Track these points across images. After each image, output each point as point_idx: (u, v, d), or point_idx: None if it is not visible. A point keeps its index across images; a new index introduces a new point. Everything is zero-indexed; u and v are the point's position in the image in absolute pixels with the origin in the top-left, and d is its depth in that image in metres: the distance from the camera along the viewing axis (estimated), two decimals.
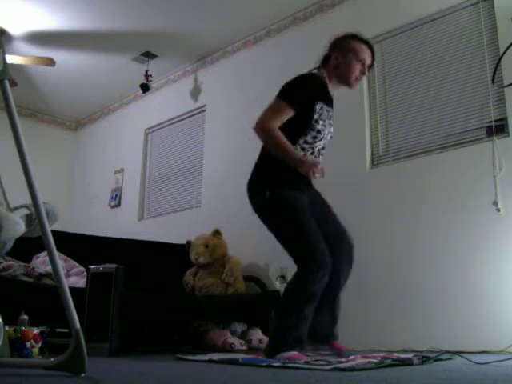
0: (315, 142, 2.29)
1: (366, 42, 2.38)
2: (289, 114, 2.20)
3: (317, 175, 2.12)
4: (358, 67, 2.32)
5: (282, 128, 2.20)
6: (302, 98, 2.22)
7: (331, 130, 2.38)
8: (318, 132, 2.26)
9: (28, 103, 5.93)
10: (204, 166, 4.77)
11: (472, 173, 3.01)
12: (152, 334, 3.08)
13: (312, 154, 2.30)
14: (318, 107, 2.24)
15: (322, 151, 2.39)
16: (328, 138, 2.36)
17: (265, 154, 2.33)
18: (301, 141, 2.25)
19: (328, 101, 2.34)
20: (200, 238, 3.86)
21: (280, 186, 2.24)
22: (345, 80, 2.35)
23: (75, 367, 1.45)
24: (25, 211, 1.62)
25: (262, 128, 2.18)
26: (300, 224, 2.21)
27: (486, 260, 2.87)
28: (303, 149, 2.26)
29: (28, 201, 1.55)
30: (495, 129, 2.97)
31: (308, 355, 2.15)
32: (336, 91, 2.45)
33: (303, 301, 2.15)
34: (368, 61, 2.35)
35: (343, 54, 2.33)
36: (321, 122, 2.26)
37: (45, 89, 5.59)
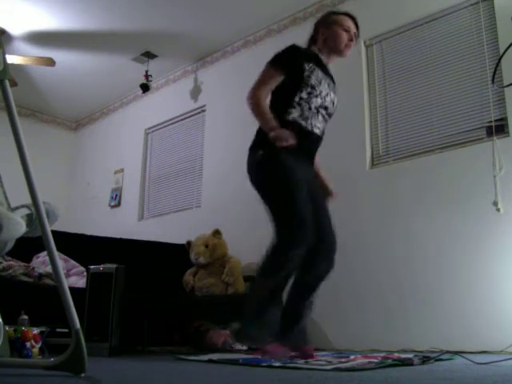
0: (311, 98, 2.30)
1: (346, 14, 2.51)
2: (276, 77, 2.29)
3: (282, 143, 2.10)
4: (344, 35, 2.42)
5: (277, 90, 2.29)
6: (289, 58, 2.32)
7: (332, 94, 2.39)
8: (313, 87, 2.29)
9: (28, 103, 5.93)
10: (204, 166, 4.77)
11: (472, 173, 3.01)
12: (152, 334, 3.08)
13: (309, 109, 2.29)
14: (307, 66, 2.31)
15: (323, 111, 2.36)
16: (328, 100, 2.36)
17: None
18: (296, 98, 2.28)
19: (322, 67, 2.39)
20: (200, 238, 3.86)
21: (274, 147, 2.18)
22: (335, 49, 2.43)
23: (75, 367, 1.45)
24: (25, 211, 1.62)
25: (248, 97, 2.27)
26: (288, 185, 2.17)
27: (485, 260, 2.87)
28: (300, 104, 2.28)
29: (28, 201, 1.55)
30: (495, 129, 2.97)
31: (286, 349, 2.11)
32: (331, 64, 2.48)
33: (274, 270, 2.11)
34: (352, 28, 2.46)
35: (328, 27, 2.44)
36: (313, 77, 2.30)
37: (45, 89, 5.59)
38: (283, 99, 2.27)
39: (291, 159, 2.21)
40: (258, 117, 2.25)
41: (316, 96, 2.31)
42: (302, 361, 1.97)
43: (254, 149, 2.31)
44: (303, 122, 2.27)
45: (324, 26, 2.46)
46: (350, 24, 2.46)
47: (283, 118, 2.24)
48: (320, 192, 2.44)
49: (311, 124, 2.29)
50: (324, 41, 2.44)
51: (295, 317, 2.26)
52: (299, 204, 2.14)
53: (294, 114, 2.26)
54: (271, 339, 2.10)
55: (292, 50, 2.36)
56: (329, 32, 2.43)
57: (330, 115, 2.42)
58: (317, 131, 2.33)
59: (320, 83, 2.32)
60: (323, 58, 2.44)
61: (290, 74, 2.29)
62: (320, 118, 2.35)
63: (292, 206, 2.14)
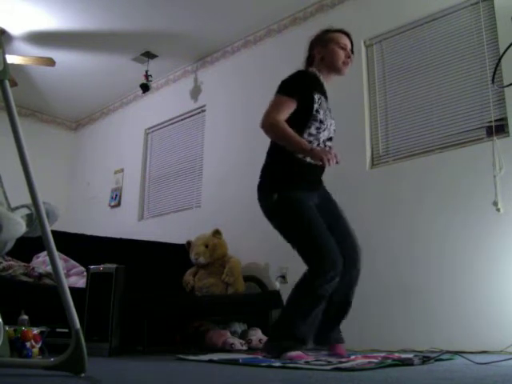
0: (319, 133, 2.30)
1: (341, 31, 2.48)
2: (291, 107, 2.24)
3: (331, 162, 2.11)
4: (341, 53, 2.40)
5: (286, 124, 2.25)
6: (301, 89, 2.28)
7: (333, 122, 2.41)
8: (321, 122, 2.29)
9: (28, 103, 5.93)
10: (204, 166, 4.77)
11: (472, 173, 3.01)
12: (152, 334, 3.08)
13: (318, 145, 2.31)
14: (316, 97, 2.29)
15: (328, 143, 2.38)
16: (332, 129, 2.38)
17: (271, 157, 2.37)
18: (305, 134, 2.27)
19: (324, 93, 2.39)
20: (200, 238, 3.86)
21: (288, 188, 2.25)
22: (333, 67, 2.41)
23: (75, 367, 1.45)
24: (25, 211, 1.62)
25: (268, 123, 2.21)
26: (309, 225, 2.22)
27: (486, 260, 2.86)
28: (309, 141, 2.28)
29: (28, 201, 1.55)
30: (495, 129, 2.97)
31: (310, 355, 2.16)
32: (329, 83, 2.48)
33: (311, 302, 2.16)
34: (348, 45, 2.45)
35: (324, 46, 2.42)
36: (321, 112, 2.29)
37: (45, 89, 5.59)
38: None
39: (305, 196, 2.26)
40: (289, 139, 2.19)
41: (324, 130, 2.31)
42: (302, 360, 1.97)
43: (266, 191, 2.30)
44: (313, 161, 2.24)
45: (320, 45, 2.43)
46: (345, 41, 2.43)
47: (293, 156, 2.23)
48: (335, 205, 2.46)
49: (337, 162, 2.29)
50: (321, 60, 2.41)
51: (335, 320, 2.39)
52: (326, 243, 2.19)
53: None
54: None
55: (302, 78, 2.32)
56: (325, 51, 2.40)
57: (331, 141, 2.43)
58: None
59: (327, 116, 2.31)
60: (322, 78, 2.42)
61: (301, 107, 2.25)
62: (327, 148, 2.36)
63: (319, 246, 2.18)
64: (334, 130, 2.43)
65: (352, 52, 2.46)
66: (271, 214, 2.31)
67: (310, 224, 2.22)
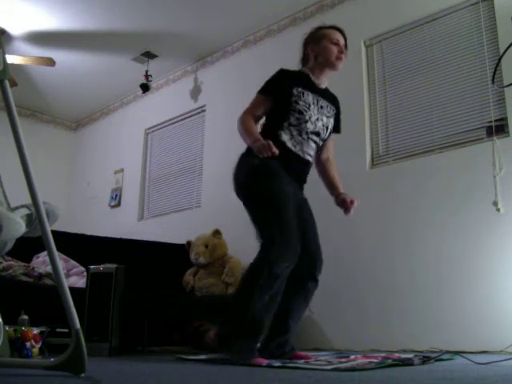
0: (301, 124, 2.30)
1: (333, 27, 2.49)
2: (265, 103, 2.32)
3: (264, 153, 2.10)
4: (334, 48, 2.41)
5: (268, 117, 2.33)
6: (276, 84, 2.34)
7: (324, 118, 2.38)
8: (300, 112, 2.29)
9: (28, 103, 5.93)
10: (204, 166, 4.77)
11: (472, 173, 3.01)
12: (152, 334, 3.08)
13: (300, 135, 2.30)
14: (295, 91, 2.31)
15: (315, 137, 2.36)
16: (319, 124, 2.36)
17: (262, 133, 2.37)
18: (285, 124, 2.30)
19: (313, 90, 2.38)
20: (200, 238, 3.86)
21: (271, 159, 2.16)
22: (327, 63, 2.42)
23: (75, 367, 1.45)
24: (25, 211, 1.62)
25: (238, 120, 2.29)
26: (281, 199, 2.17)
27: (485, 260, 2.86)
28: (290, 131, 2.29)
29: (28, 201, 1.55)
30: (495, 129, 2.97)
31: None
32: (326, 80, 2.47)
33: (266, 281, 2.05)
34: (341, 41, 2.45)
35: (317, 43, 2.44)
36: (301, 103, 2.30)
37: (45, 89, 5.59)
38: (274, 125, 2.30)
39: (285, 175, 2.24)
40: (243, 133, 2.27)
41: (306, 121, 2.30)
42: (302, 361, 1.97)
43: (248, 155, 2.27)
44: (294, 147, 2.28)
45: (313, 43, 2.45)
46: (338, 37, 2.44)
47: (274, 140, 2.20)
48: (311, 214, 2.40)
49: (302, 151, 2.30)
50: (315, 57, 2.42)
51: (282, 331, 2.24)
52: (289, 218, 2.13)
53: (284, 137, 2.27)
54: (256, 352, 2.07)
55: (280, 75, 2.38)
56: (318, 48, 2.42)
57: (322, 140, 2.41)
58: (308, 158, 2.36)
59: (309, 108, 2.31)
60: (315, 77, 2.42)
61: (278, 101, 2.32)
62: (312, 144, 2.35)
63: (282, 220, 2.12)
64: (327, 129, 2.40)
65: (346, 47, 2.47)
66: (243, 174, 2.27)
67: (283, 199, 2.17)
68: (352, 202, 2.38)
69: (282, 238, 2.09)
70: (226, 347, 2.10)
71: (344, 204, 2.39)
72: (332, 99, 2.47)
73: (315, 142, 2.37)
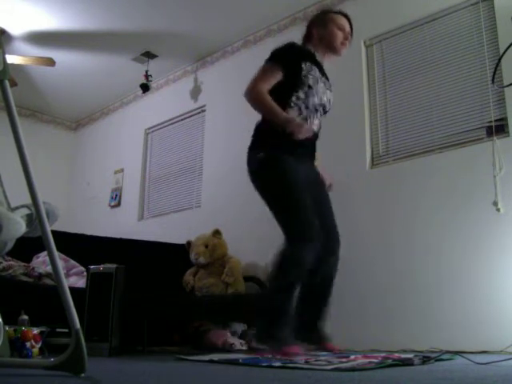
0: (308, 98, 2.32)
1: (340, 12, 2.54)
2: (276, 75, 2.29)
3: (302, 134, 2.11)
4: (339, 34, 2.45)
5: (274, 89, 2.27)
6: (288, 57, 2.33)
7: (328, 93, 2.42)
8: (310, 87, 2.31)
9: (28, 103, 5.93)
10: (204, 165, 4.77)
11: (472, 173, 3.01)
12: (152, 334, 3.08)
13: (307, 108, 2.32)
14: (304, 65, 2.32)
15: (321, 109, 2.39)
16: (325, 99, 2.39)
17: (264, 119, 2.38)
18: (293, 97, 2.30)
19: (318, 66, 2.41)
20: (200, 238, 3.86)
21: (275, 148, 2.24)
22: (331, 47, 2.45)
23: (75, 367, 1.45)
24: (25, 211, 1.62)
25: (249, 92, 2.26)
26: (291, 187, 2.20)
27: (485, 260, 2.86)
28: (297, 104, 2.30)
29: (28, 201, 1.55)
30: (495, 129, 2.97)
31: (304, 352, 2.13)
32: (326, 62, 2.51)
33: (291, 270, 2.14)
34: (347, 27, 2.49)
35: (323, 26, 2.46)
36: (310, 77, 2.31)
37: (45, 89, 5.59)
38: (281, 99, 2.26)
39: (292, 160, 2.24)
40: (266, 110, 2.23)
41: (313, 95, 2.32)
42: (303, 361, 1.97)
43: (254, 149, 2.31)
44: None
45: (319, 24, 2.47)
46: (344, 23, 2.48)
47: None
48: (323, 188, 2.45)
49: (310, 123, 2.30)
50: (319, 39, 2.45)
51: (314, 318, 2.32)
52: (304, 206, 2.17)
53: (292, 114, 2.26)
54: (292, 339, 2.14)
55: (290, 48, 2.36)
56: (324, 31, 2.45)
57: (326, 112, 2.45)
58: (315, 128, 2.37)
59: (317, 82, 2.34)
60: (318, 55, 2.46)
61: (288, 73, 2.29)
62: (318, 115, 2.38)
63: (298, 209, 2.17)
64: (330, 101, 2.44)
65: (351, 35, 2.50)
66: (253, 170, 2.30)
67: (293, 186, 2.20)
68: (330, 186, 2.46)
69: (300, 224, 2.14)
70: (263, 338, 2.14)
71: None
72: (329, 81, 2.50)
73: (320, 113, 2.40)
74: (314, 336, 2.30)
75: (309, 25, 2.52)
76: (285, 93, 2.28)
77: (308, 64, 2.34)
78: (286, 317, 2.13)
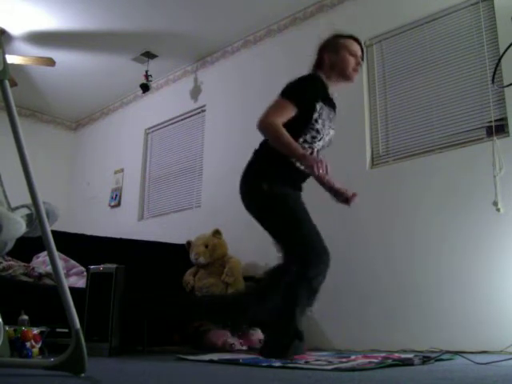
0: (314, 142, 2.31)
1: (352, 37, 2.47)
2: (291, 112, 2.22)
3: (321, 171, 2.10)
4: (352, 60, 2.40)
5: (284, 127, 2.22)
6: (305, 97, 2.26)
7: (331, 132, 2.40)
8: (317, 132, 2.29)
9: (28, 103, 5.93)
10: (204, 166, 4.77)
11: (472, 173, 3.01)
12: (152, 334, 3.08)
13: (311, 154, 2.30)
14: (318, 107, 2.28)
15: (321, 150, 2.41)
16: (327, 139, 2.38)
17: (259, 154, 2.36)
18: (300, 140, 2.27)
19: (328, 102, 2.37)
20: (200, 238, 3.85)
21: (277, 181, 2.26)
22: (343, 74, 2.41)
23: (75, 367, 1.45)
24: (25, 211, 1.62)
25: (265, 123, 2.19)
26: (301, 220, 2.25)
27: (485, 260, 2.86)
28: (303, 148, 2.27)
29: (28, 201, 1.55)
30: (495, 129, 2.97)
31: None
32: (336, 91, 2.47)
33: (305, 295, 2.20)
34: (359, 52, 2.44)
35: (335, 52, 2.40)
36: (320, 122, 2.29)
37: (45, 89, 5.59)
38: None
39: (293, 192, 2.30)
40: (284, 142, 2.17)
41: (319, 140, 2.32)
42: (303, 361, 1.97)
43: (256, 179, 2.30)
44: (302, 166, 2.25)
45: (331, 51, 2.41)
46: (356, 48, 2.42)
47: (284, 158, 2.22)
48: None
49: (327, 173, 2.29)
50: (331, 66, 2.39)
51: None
52: (312, 231, 2.24)
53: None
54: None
55: (310, 85, 2.30)
56: (336, 57, 2.39)
57: (323, 149, 2.44)
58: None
59: (324, 126, 2.31)
60: (331, 85, 2.40)
61: (301, 113, 2.24)
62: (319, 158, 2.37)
63: (311, 239, 2.23)
64: (330, 140, 2.42)
65: (362, 58, 2.45)
66: (260, 206, 2.31)
67: (302, 215, 2.25)
68: (354, 194, 2.40)
69: (314, 251, 2.21)
70: (272, 354, 2.15)
71: (342, 194, 2.38)
72: (334, 107, 2.46)
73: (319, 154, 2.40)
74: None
75: (319, 50, 2.45)
76: (293, 133, 2.21)
77: (321, 104, 2.28)
78: (295, 326, 2.18)
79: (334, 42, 2.44)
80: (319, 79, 2.38)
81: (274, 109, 2.22)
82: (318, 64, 2.44)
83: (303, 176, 2.36)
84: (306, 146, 2.29)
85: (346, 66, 2.38)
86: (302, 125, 2.26)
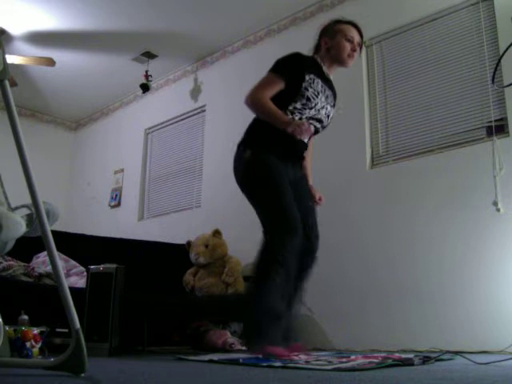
0: (304, 109, 2.32)
1: (350, 22, 2.48)
2: (279, 84, 2.29)
3: (302, 135, 2.12)
4: (347, 45, 2.41)
5: (274, 97, 2.27)
6: (290, 67, 2.32)
7: (328, 107, 2.41)
8: (308, 99, 2.30)
9: (28, 103, 5.93)
10: (204, 166, 4.77)
11: (472, 173, 3.01)
12: (152, 334, 3.08)
13: (300, 119, 2.31)
14: (307, 77, 2.30)
15: (315, 123, 2.38)
16: (322, 112, 2.38)
17: (248, 128, 2.42)
18: (290, 107, 2.30)
19: (322, 78, 2.39)
20: (200, 238, 3.86)
21: (263, 148, 2.28)
22: (338, 59, 2.43)
23: (75, 367, 1.45)
24: (25, 211, 1.62)
25: (250, 98, 2.28)
26: (276, 188, 2.23)
27: (485, 260, 2.86)
28: (292, 113, 2.30)
29: (28, 201, 1.55)
30: (495, 129, 2.97)
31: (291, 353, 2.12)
32: (333, 73, 2.49)
33: (275, 272, 2.11)
34: (356, 38, 2.45)
35: (332, 37, 2.43)
36: (310, 90, 2.30)
37: (45, 89, 5.59)
38: (278, 106, 2.26)
39: (278, 161, 2.27)
40: (266, 113, 2.25)
41: (310, 108, 2.32)
42: (303, 360, 1.97)
43: (242, 147, 2.34)
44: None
45: (328, 35, 2.44)
46: (354, 34, 2.44)
47: (273, 129, 2.24)
48: (308, 190, 2.47)
49: (310, 137, 2.30)
50: (327, 50, 2.43)
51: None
52: (289, 207, 2.18)
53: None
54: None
55: (294, 57, 2.35)
56: (332, 42, 2.42)
57: (323, 127, 2.44)
58: (305, 140, 2.38)
59: (317, 96, 2.32)
60: (325, 67, 2.44)
61: (289, 83, 2.29)
62: (311, 128, 2.35)
63: (282, 209, 2.18)
64: (328, 117, 2.43)
65: (360, 45, 2.47)
66: (239, 167, 2.32)
67: (278, 187, 2.22)
68: (320, 199, 2.46)
69: (287, 219, 2.15)
70: (249, 342, 2.14)
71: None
72: (334, 92, 2.50)
73: (315, 128, 2.40)
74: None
75: (318, 34, 2.50)
76: (282, 101, 2.28)
77: (312, 76, 2.32)
78: (277, 315, 2.12)
79: (331, 28, 2.47)
80: (310, 57, 2.43)
81: (260, 83, 2.30)
82: (316, 48, 2.49)
83: (294, 147, 2.34)
84: (296, 111, 2.30)
85: (340, 51, 2.40)
86: (291, 93, 2.30)
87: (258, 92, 2.27)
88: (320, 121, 2.39)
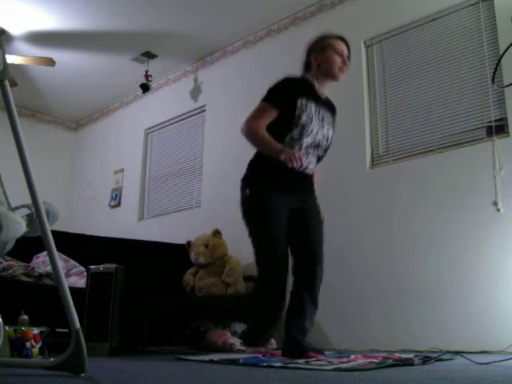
0: (302, 139, 2.31)
1: (338, 37, 2.48)
2: (271, 113, 2.29)
3: (294, 163, 2.12)
4: (338, 59, 2.41)
5: (269, 129, 2.27)
6: (282, 95, 2.31)
7: (325, 131, 2.39)
8: (303, 127, 2.30)
9: (28, 103, 5.93)
10: (204, 166, 4.77)
11: (472, 173, 3.01)
12: (152, 334, 3.08)
13: (300, 149, 2.31)
14: (299, 103, 2.29)
15: (313, 150, 2.38)
16: (318, 137, 2.36)
17: (250, 162, 2.44)
18: (287, 138, 2.30)
19: (316, 100, 2.38)
20: (200, 238, 3.86)
21: (260, 185, 2.32)
22: (329, 73, 2.42)
23: (75, 367, 1.45)
24: (25, 211, 1.62)
25: (245, 129, 2.29)
26: (265, 219, 2.30)
27: (485, 260, 2.86)
28: (291, 145, 2.30)
29: (28, 201, 1.55)
30: (495, 129, 2.97)
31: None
32: (327, 89, 2.48)
33: (258, 301, 2.40)
34: (345, 51, 2.45)
35: (321, 52, 2.42)
36: (304, 117, 2.29)
37: (45, 89, 5.59)
38: (275, 136, 2.25)
39: (276, 195, 2.31)
40: (260, 143, 2.27)
41: (307, 136, 2.32)
42: (303, 360, 1.97)
43: (243, 184, 2.39)
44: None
45: (316, 50, 2.43)
46: (342, 47, 2.43)
47: (270, 161, 2.25)
48: (317, 218, 2.46)
49: (302, 166, 2.27)
50: (318, 66, 2.41)
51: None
52: (273, 238, 2.30)
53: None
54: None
55: (285, 85, 2.34)
56: (322, 56, 2.41)
57: (324, 150, 2.43)
58: (307, 172, 2.39)
59: (311, 121, 2.31)
60: (318, 85, 2.42)
61: (283, 112, 2.29)
62: (312, 158, 2.38)
63: (266, 240, 2.32)
64: (327, 139, 2.41)
65: (349, 58, 2.46)
66: (242, 208, 2.39)
67: (267, 220, 2.29)
68: (322, 220, 2.51)
69: (265, 252, 2.34)
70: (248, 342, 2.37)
71: None
72: (331, 109, 2.48)
73: (316, 155, 2.40)
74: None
75: (306, 52, 2.49)
76: (279, 133, 2.28)
77: (304, 101, 2.31)
78: (268, 320, 2.31)
79: (319, 43, 2.46)
80: (300, 79, 2.43)
81: (253, 113, 2.32)
82: (306, 65, 2.47)
83: (291, 176, 2.33)
84: (294, 143, 2.30)
85: (331, 65, 2.39)
86: (285, 123, 2.30)
87: (253, 122, 2.29)
88: (318, 146, 2.38)
